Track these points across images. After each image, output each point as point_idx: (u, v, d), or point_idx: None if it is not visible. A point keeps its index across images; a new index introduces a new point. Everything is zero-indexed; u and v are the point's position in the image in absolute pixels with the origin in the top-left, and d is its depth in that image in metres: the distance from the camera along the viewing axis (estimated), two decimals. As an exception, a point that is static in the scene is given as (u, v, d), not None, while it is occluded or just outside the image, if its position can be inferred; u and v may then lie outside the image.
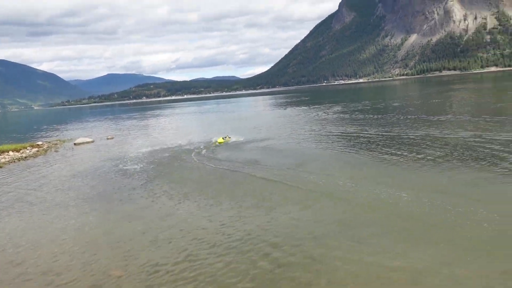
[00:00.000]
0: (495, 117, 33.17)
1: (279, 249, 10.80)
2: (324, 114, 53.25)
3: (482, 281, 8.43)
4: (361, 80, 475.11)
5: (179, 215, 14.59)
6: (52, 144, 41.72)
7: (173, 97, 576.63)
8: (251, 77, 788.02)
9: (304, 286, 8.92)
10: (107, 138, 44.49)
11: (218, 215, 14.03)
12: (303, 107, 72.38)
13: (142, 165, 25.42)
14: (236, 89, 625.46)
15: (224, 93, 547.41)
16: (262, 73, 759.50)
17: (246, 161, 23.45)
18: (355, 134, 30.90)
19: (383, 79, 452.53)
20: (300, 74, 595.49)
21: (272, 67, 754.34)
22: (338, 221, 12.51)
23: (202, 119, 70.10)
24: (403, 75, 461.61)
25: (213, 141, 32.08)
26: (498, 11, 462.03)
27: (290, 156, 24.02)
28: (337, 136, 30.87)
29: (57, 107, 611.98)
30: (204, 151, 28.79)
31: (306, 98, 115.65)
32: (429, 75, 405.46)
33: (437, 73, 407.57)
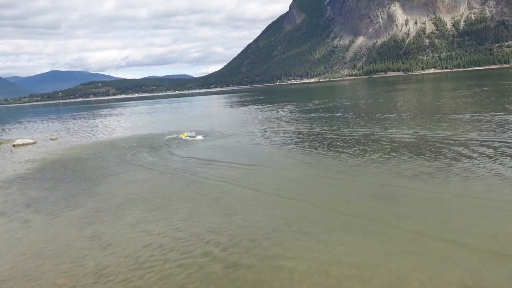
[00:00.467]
0: (434, 115, 35.65)
1: (232, 250, 10.73)
2: (277, 113, 54.02)
3: (425, 271, 8.93)
4: (312, 80, 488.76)
5: (128, 220, 14.01)
6: (-13, 146, 38.36)
7: (123, 96, 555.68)
8: (205, 75, 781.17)
9: (258, 286, 8.93)
10: (51, 139, 41.78)
11: (170, 219, 13.64)
12: (257, 106, 72.91)
13: (88, 167, 24.14)
14: (189, 88, 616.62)
15: (177, 92, 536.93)
16: (215, 71, 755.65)
17: (199, 162, 23.13)
18: (306, 133, 31.65)
19: (333, 79, 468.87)
20: (254, 74, 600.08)
21: (225, 66, 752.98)
22: (289, 219, 12.67)
23: (154, 118, 68.13)
24: (351, 75, 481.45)
25: (180, 136, 33.85)
26: (435, 17, 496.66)
27: (242, 156, 24.04)
28: (289, 135, 31.42)
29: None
30: (155, 152, 27.98)
31: (260, 97, 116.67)
32: (375, 75, 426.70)
33: (382, 74, 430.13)
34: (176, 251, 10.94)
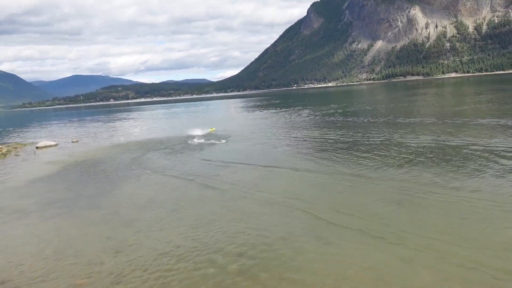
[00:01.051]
0: (456, 120, 34.85)
1: (249, 254, 10.76)
2: (294, 117, 53.87)
3: (440, 276, 8.75)
4: (330, 84, 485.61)
5: (144, 221, 14.22)
6: (12, 148, 39.65)
7: (142, 100, 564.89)
8: (222, 80, 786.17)
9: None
10: (72, 142, 42.87)
11: (184, 225, 13.72)
12: (273, 110, 72.91)
13: (107, 170, 24.64)
14: (207, 92, 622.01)
15: (194, 96, 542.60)
16: (233, 76, 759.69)
17: (217, 165, 23.29)
18: (323, 138, 31.44)
19: (351, 83, 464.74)
20: (271, 78, 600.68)
21: (242, 70, 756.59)
22: (304, 223, 12.62)
23: (172, 122, 69.01)
24: (369, 79, 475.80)
25: (208, 131, 40.05)
26: (456, 20, 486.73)
27: (259, 158, 24.08)
28: (306, 140, 31.29)
29: (18, 109, 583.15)
30: (172, 155, 28.33)
31: (277, 101, 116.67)
32: (394, 80, 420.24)
33: (401, 78, 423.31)
34: (193, 254, 11.04)
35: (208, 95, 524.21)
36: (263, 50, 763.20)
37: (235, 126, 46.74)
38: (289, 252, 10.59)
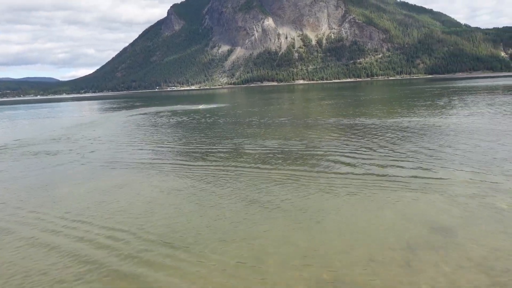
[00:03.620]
0: (307, 120, 39.31)
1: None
2: (161, 120, 52.10)
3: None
4: (193, 87, 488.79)
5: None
6: None
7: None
8: (74, 79, 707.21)
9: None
10: None
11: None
12: (139, 115, 69.07)
13: None
14: (55, 93, 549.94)
15: (39, 97, 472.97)
16: (87, 75, 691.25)
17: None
18: (175, 143, 31.26)
19: (213, 87, 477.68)
20: (131, 79, 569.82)
21: (98, 69, 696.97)
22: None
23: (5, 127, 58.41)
24: (230, 84, 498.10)
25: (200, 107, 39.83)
26: (302, 34, 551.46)
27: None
28: (163, 147, 30.59)
29: None
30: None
31: (139, 103, 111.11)
32: (252, 84, 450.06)
33: (259, 83, 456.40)
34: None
35: (57, 96, 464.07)
36: (121, 49, 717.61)
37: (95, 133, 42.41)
38: (171, 259, 10.04)
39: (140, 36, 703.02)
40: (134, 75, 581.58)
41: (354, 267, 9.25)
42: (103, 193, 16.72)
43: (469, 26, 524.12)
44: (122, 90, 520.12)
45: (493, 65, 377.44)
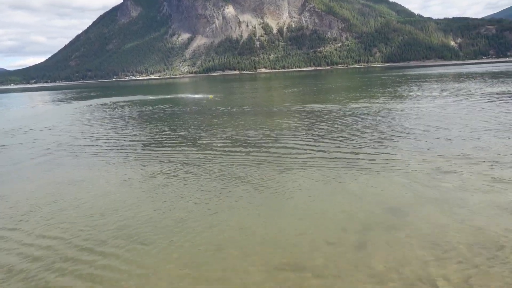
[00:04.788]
0: (269, 108, 39.52)
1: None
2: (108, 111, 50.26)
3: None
4: (152, 77, 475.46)
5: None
6: None
7: None
8: (23, 68, 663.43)
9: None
10: None
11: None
12: (93, 106, 66.15)
13: None
14: (2, 83, 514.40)
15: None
16: (38, 64, 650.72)
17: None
18: (135, 135, 30.48)
19: (173, 76, 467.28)
20: (85, 68, 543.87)
21: (50, 58, 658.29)
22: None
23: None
24: (191, 73, 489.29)
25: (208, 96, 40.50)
26: (263, 22, 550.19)
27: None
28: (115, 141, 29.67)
29: None
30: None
31: (96, 94, 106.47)
32: (214, 74, 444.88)
33: (220, 72, 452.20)
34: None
35: (4, 87, 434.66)
36: (74, 36, 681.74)
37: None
38: (128, 252, 9.76)
39: (95, 23, 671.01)
40: (89, 64, 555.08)
41: (311, 251, 9.46)
42: (55, 188, 15.93)
43: (422, 16, 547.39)
44: (76, 80, 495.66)
45: (444, 54, 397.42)
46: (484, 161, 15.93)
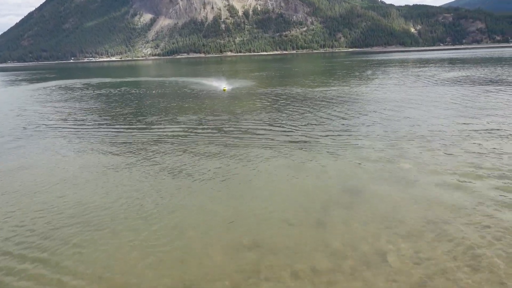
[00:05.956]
0: (234, 91, 39.22)
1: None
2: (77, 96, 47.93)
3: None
4: (113, 59, 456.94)
5: None
6: None
7: None
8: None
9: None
10: None
11: None
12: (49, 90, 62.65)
13: None
14: None
15: None
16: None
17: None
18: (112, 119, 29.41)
19: (136, 58, 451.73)
20: (40, 48, 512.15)
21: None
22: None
23: None
24: (155, 55, 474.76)
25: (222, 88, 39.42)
26: (228, 4, 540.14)
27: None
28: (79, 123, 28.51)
29: None
30: None
31: (52, 75, 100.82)
32: (178, 56, 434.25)
33: (185, 55, 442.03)
34: None
35: None
36: (26, 14, 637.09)
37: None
38: (84, 238, 9.45)
39: (49, 0, 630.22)
40: (44, 44, 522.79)
41: (271, 231, 9.60)
42: (10, 174, 15.08)
43: (384, 3, 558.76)
44: (30, 61, 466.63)
45: (405, 40, 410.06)
46: (437, 143, 16.73)
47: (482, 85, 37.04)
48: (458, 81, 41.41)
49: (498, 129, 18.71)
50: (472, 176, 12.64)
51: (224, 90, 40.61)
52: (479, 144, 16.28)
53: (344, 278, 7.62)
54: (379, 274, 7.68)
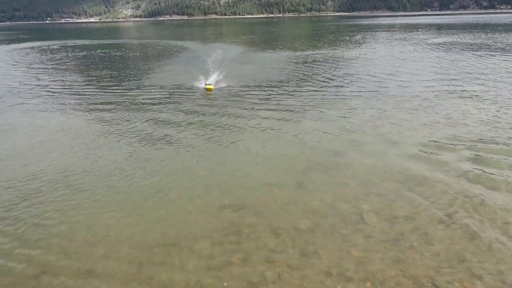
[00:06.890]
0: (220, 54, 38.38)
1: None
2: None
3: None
4: (92, 20, 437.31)
5: None
6: None
7: None
8: None
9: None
10: None
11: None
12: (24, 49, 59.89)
13: None
14: None
15: None
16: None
17: None
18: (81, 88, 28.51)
19: (116, 19, 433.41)
20: (13, 7, 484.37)
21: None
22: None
23: None
24: (136, 16, 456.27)
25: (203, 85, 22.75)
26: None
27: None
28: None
29: None
30: None
31: (26, 36, 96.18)
32: (161, 18, 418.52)
33: (168, 17, 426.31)
34: None
35: None
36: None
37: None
38: (65, 200, 9.41)
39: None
40: (16, 2, 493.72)
41: (252, 192, 9.74)
42: (-19, 137, 14.66)
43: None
44: (2, 21, 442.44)
45: (392, 4, 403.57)
46: (418, 108, 16.94)
47: (470, 50, 37.21)
48: (444, 46, 41.44)
49: (482, 93, 19.01)
50: (453, 139, 12.94)
51: (207, 88, 22.30)
52: (464, 109, 16.56)
53: (324, 235, 7.86)
54: (357, 231, 7.96)
